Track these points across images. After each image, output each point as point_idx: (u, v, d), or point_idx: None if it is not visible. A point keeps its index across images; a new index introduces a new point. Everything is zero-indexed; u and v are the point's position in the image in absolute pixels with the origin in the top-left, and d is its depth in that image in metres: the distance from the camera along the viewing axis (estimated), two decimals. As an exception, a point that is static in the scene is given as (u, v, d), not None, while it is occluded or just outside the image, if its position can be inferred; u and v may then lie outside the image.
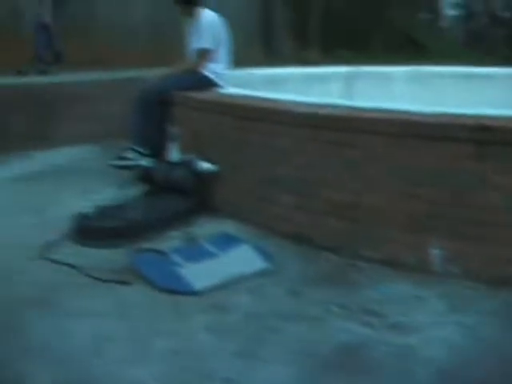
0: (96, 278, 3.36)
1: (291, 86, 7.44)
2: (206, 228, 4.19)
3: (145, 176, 4.71)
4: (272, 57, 13.91)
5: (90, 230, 3.90)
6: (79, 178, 5.50)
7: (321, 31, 16.74)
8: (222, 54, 5.38)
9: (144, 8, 11.50)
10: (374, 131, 3.64)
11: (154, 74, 5.73)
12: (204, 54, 5.25)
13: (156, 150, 5.11)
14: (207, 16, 5.33)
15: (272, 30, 14.96)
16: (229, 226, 4.21)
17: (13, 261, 3.63)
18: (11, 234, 4.09)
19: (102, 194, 4.89)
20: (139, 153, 5.10)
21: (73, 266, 3.50)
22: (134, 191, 4.71)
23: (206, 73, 5.28)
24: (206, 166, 4.41)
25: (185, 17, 5.48)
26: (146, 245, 3.80)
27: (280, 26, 15.18)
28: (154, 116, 5.14)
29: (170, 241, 3.93)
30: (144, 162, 4.89)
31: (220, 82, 5.32)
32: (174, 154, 4.59)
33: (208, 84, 5.24)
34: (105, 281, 3.33)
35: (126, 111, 7.14)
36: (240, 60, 5.71)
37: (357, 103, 4.22)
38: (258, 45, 13.86)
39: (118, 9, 11.06)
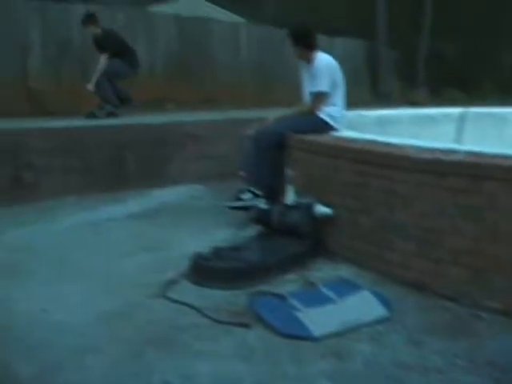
0: (216, 320, 3.38)
1: (401, 127, 7.38)
2: (322, 272, 4.17)
3: (260, 217, 4.75)
4: (379, 97, 13.91)
5: (208, 271, 3.95)
6: (193, 217, 5.63)
7: (428, 72, 16.60)
8: (338, 96, 5.40)
9: (252, 50, 11.77)
10: (499, 178, 3.54)
11: (269, 115, 5.80)
12: (321, 97, 5.28)
13: (271, 192, 5.15)
14: (323, 59, 5.37)
15: (379, 70, 14.95)
16: (345, 271, 4.18)
17: (133, 298, 3.74)
18: (131, 271, 4.23)
19: (217, 234, 4.98)
20: (255, 194, 5.15)
21: (192, 307, 3.55)
22: (249, 232, 4.76)
23: (322, 116, 5.29)
24: (322, 209, 4.40)
25: (301, 60, 5.53)
26: (263, 287, 3.82)
27: (387, 66, 15.15)
28: (269, 158, 5.19)
29: (287, 284, 3.92)
30: (259, 203, 4.93)
31: (335, 125, 5.33)
32: (289, 196, 4.61)
33: (324, 127, 5.26)
34: (225, 323, 3.35)
35: (235, 151, 7.34)
36: (349, 101, 5.72)
37: (478, 148, 4.12)
38: (366, 85, 13.90)
39: (227, 51, 11.37)
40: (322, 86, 5.26)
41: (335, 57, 5.58)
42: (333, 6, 17.60)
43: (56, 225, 5.38)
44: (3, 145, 6.28)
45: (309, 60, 5.39)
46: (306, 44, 5.39)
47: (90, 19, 8.05)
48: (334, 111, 5.34)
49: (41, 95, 8.54)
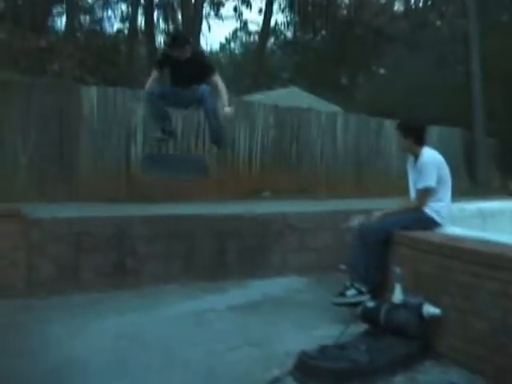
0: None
1: (504, 219, 7.20)
2: (431, 375, 4.04)
3: (367, 315, 4.66)
4: (477, 186, 13.65)
5: (314, 370, 3.88)
6: (296, 311, 5.59)
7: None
8: (444, 192, 5.31)
9: (348, 138, 11.85)
10: None
11: (371, 208, 5.78)
12: (427, 193, 5.22)
13: (377, 289, 5.08)
14: (430, 154, 5.32)
15: (476, 159, 14.73)
16: (455, 375, 4.03)
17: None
18: (235, 366, 4.21)
19: (321, 330, 4.92)
20: (359, 291, 5.08)
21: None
22: (355, 330, 4.67)
23: (428, 211, 5.22)
24: (431, 309, 4.29)
25: (408, 153, 5.51)
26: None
27: (485, 155, 14.91)
28: (375, 254, 5.12)
29: (396, 387, 3.81)
30: (366, 300, 4.85)
31: (441, 221, 5.25)
32: (396, 294, 4.52)
33: (430, 223, 5.19)
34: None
35: (335, 244, 7.32)
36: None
37: None
38: (463, 174, 13.69)
39: (324, 139, 11.49)
40: (429, 181, 5.20)
41: (431, 145, 5.54)
42: (427, 95, 17.61)
43: (158, 313, 5.44)
44: (109, 231, 6.49)
45: (416, 154, 5.37)
46: (416, 138, 5.37)
47: None
48: (440, 207, 5.26)
49: (140, 182, 8.81)
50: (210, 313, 5.53)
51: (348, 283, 5.19)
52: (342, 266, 7.07)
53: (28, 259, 6.21)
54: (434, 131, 12.36)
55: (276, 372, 4.04)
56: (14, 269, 6.16)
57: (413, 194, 5.44)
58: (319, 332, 4.88)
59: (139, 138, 9.11)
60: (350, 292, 5.12)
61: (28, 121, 8.36)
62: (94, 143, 8.78)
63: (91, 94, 8.85)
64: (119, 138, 8.95)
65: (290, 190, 10.30)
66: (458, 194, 8.23)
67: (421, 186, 5.26)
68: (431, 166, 5.24)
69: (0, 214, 6.20)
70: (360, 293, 5.07)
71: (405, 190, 5.65)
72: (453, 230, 5.12)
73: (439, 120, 13.45)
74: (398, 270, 4.60)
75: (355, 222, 5.50)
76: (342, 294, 5.17)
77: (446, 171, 5.35)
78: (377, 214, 5.37)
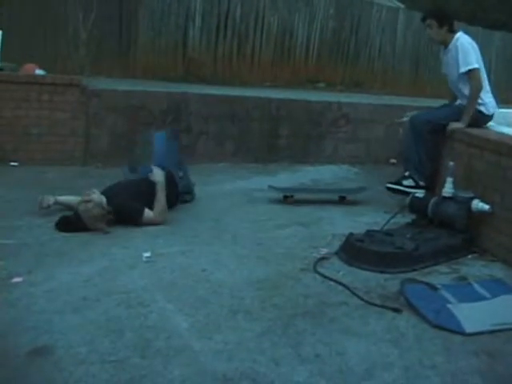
0: (367, 302, 3.41)
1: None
2: (474, 268, 4.08)
3: (414, 205, 4.69)
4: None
5: (360, 252, 3.95)
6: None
7: None
8: (485, 84, 5.13)
9: (408, 37, 11.51)
10: None
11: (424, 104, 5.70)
12: (475, 74, 5.00)
13: (428, 181, 5.07)
14: (466, 38, 5.11)
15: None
16: (498, 271, 4.06)
17: (285, 269, 3.83)
18: (284, 242, 4.34)
19: (367, 217, 5.00)
20: (417, 183, 5.07)
21: (344, 286, 3.58)
22: (401, 220, 4.73)
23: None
24: (480, 204, 4.29)
25: (442, 44, 5.27)
26: (414, 275, 3.79)
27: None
28: (425, 146, 5.08)
29: (439, 276, 3.87)
30: (417, 191, 4.86)
31: (489, 113, 5.14)
32: (447, 188, 4.51)
33: (479, 117, 5.09)
34: (376, 305, 3.37)
35: (388, 137, 7.29)
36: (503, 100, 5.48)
37: None
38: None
39: (383, 35, 11.18)
40: (472, 62, 4.98)
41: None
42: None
43: (212, 189, 5.56)
44: (165, 107, 6.56)
45: (449, 43, 5.14)
46: (450, 25, 5.13)
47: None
48: (486, 98, 5.12)
49: (197, 64, 8.79)
50: (259, 192, 5.64)
51: (407, 173, 5.18)
52: (393, 160, 7.10)
53: (86, 129, 6.35)
54: (497, 36, 11.95)
55: (323, 251, 4.15)
56: (73, 138, 6.32)
57: (452, 86, 5.30)
58: (365, 219, 4.97)
59: (198, 19, 8.99)
60: (407, 181, 5.12)
61: (90, -4, 8.33)
62: (152, 21, 8.70)
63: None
64: (178, 17, 8.85)
65: (345, 84, 10.19)
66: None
67: (464, 68, 5.02)
68: (470, 47, 5.02)
69: (62, 83, 6.29)
70: (416, 185, 5.06)
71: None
72: (508, 129, 5.04)
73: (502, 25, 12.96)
74: (451, 164, 4.57)
75: (408, 117, 5.42)
76: (398, 182, 5.18)
77: (481, 59, 5.14)
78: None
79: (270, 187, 5.52)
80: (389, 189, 5.24)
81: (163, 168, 4.83)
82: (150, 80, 7.95)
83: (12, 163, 6.00)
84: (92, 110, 6.34)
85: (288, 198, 5.38)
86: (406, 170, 5.19)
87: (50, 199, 4.57)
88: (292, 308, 3.29)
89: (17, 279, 3.41)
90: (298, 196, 5.44)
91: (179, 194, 5.06)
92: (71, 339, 2.78)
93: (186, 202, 5.19)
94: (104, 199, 4.36)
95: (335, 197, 5.53)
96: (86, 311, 3.08)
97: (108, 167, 6.05)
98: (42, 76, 6.46)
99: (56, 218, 4.35)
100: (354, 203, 5.49)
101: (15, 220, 4.41)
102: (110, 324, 2.96)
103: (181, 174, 5.23)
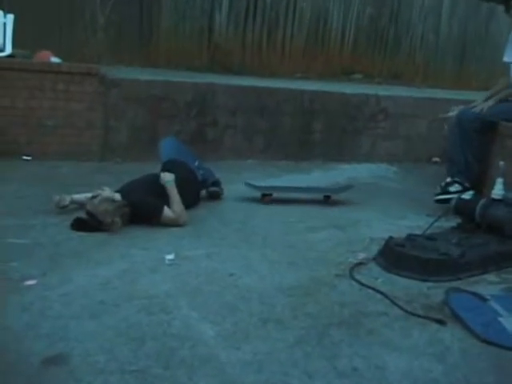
0: (409, 312, 3.37)
1: None
2: (525, 277, 4.03)
3: (459, 208, 4.63)
4: None
5: (401, 258, 3.91)
6: (383, 199, 5.67)
7: None
8: None
9: (453, 25, 11.39)
10: None
11: (472, 97, 5.63)
12: None
13: (475, 182, 5.02)
14: None
15: None
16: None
17: (319, 275, 3.81)
18: (318, 246, 4.33)
19: (408, 220, 4.97)
20: (463, 186, 5.02)
21: (384, 294, 3.55)
22: (445, 223, 4.68)
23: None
24: (533, 207, 4.24)
25: None
26: (459, 285, 3.75)
27: None
28: (472, 145, 5.03)
29: (487, 285, 3.82)
30: (463, 193, 4.80)
31: None
32: (497, 189, 4.44)
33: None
34: (419, 316, 3.33)
35: (431, 134, 7.23)
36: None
37: None
38: None
39: (426, 23, 11.08)
40: None
41: None
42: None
43: (240, 188, 5.57)
44: (190, 98, 6.57)
45: None
46: None
47: None
48: None
49: (223, 52, 8.80)
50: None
51: (449, 179, 5.13)
52: (435, 159, 7.04)
53: (104, 121, 6.38)
54: None
55: (360, 256, 4.12)
56: (90, 130, 6.36)
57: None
58: (406, 222, 4.93)
59: (225, 3, 8.99)
60: (453, 187, 5.07)
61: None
62: (176, 5, 8.72)
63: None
64: (203, 1, 8.85)
65: (384, 75, 10.12)
66: None
67: None
68: None
69: (79, 72, 6.33)
70: (464, 188, 5.00)
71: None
72: None
73: None
74: (501, 163, 4.51)
75: (454, 112, 5.37)
76: (445, 191, 5.11)
77: None
78: (478, 102, 5.21)
79: (247, 184, 5.46)
80: (438, 201, 5.18)
81: (173, 161, 4.89)
82: (172, 69, 7.97)
83: (25, 157, 6.07)
84: (111, 101, 6.38)
85: (266, 197, 5.35)
86: (449, 175, 5.13)
87: (67, 199, 4.60)
88: (327, 317, 3.27)
89: (30, 282, 3.43)
90: (277, 195, 5.41)
91: (202, 186, 5.10)
92: (88, 347, 2.79)
93: (217, 195, 5.28)
94: (116, 194, 4.40)
95: (320, 196, 5.51)
96: (104, 317, 3.09)
97: (127, 162, 6.08)
98: (58, 64, 6.52)
99: (72, 217, 4.38)
100: (391, 205, 5.47)
101: (28, 218, 4.46)
102: (130, 331, 2.96)
103: (196, 163, 5.25)
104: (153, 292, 3.41)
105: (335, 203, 5.42)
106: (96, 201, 4.31)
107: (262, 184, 5.62)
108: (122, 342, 2.85)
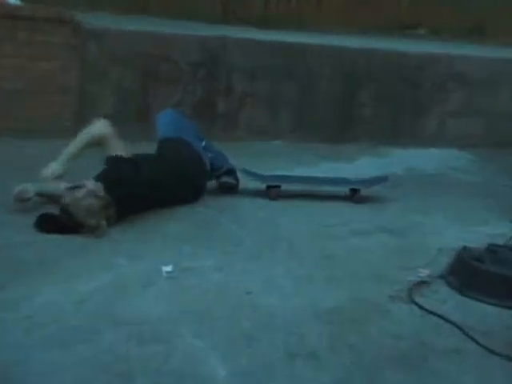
0: (489, 350, 3.35)
1: None
2: None
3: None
4: None
5: (479, 276, 3.91)
6: (454, 196, 5.68)
7: None
8: None
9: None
10: None
11: None
12: None
13: None
14: None
15: None
16: None
17: (367, 296, 3.81)
18: (363, 257, 4.34)
19: (488, 225, 4.97)
20: None
21: (456, 325, 3.53)
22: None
23: None
24: None
25: None
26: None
27: None
28: None
29: None
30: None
31: None
32: None
33: None
34: (501, 355, 3.32)
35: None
36: None
37: None
38: None
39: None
40: None
41: None
42: None
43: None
44: (195, 57, 6.57)
45: None
46: None
47: None
48: None
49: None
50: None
51: None
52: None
53: (81, 86, 6.38)
54: None
55: (423, 272, 4.11)
56: (62, 97, 6.35)
57: None
58: (486, 228, 4.92)
59: None
60: None
61: None
62: None
63: None
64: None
65: (456, 29, 10.09)
66: None
67: None
68: None
69: (46, 18, 6.30)
70: None
71: None
72: None
73: None
74: None
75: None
76: None
77: None
78: None
79: (245, 171, 5.44)
80: None
81: (173, 140, 4.97)
82: (171, 18, 7.97)
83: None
84: (90, 59, 6.37)
85: (272, 190, 5.34)
86: None
87: (30, 190, 4.59)
88: (377, 352, 3.25)
89: (-18, 299, 3.45)
90: (286, 187, 5.39)
91: (211, 174, 5.18)
92: (57, 386, 2.80)
93: (230, 187, 5.29)
94: (101, 187, 4.37)
95: (344, 190, 5.51)
96: (79, 346, 3.08)
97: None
98: (17, 7, 6.49)
99: (37, 213, 4.38)
100: (465, 205, 5.46)
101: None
102: (114, 366, 2.95)
103: (203, 143, 5.27)
104: (145, 314, 3.41)
105: (377, 200, 5.43)
106: (79, 193, 4.29)
107: (267, 173, 5.61)
108: (102, 380, 2.85)
